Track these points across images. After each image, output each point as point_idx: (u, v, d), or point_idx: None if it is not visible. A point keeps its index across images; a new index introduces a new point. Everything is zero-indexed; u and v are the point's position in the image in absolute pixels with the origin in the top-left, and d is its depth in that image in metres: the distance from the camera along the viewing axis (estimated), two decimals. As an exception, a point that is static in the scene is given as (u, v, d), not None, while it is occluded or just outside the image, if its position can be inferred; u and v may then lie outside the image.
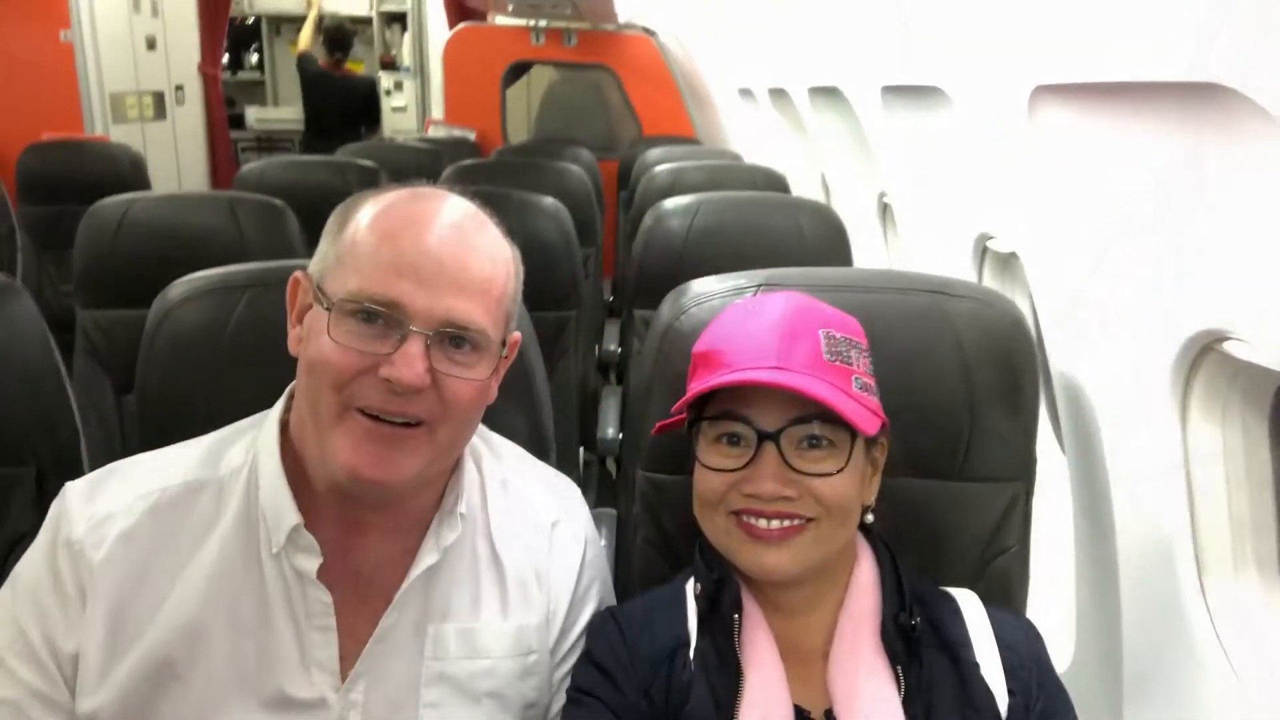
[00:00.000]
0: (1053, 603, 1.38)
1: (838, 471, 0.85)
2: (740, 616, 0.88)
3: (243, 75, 7.53)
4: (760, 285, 1.09)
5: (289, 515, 0.85)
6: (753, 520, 0.86)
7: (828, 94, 2.37)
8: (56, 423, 1.21)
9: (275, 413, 0.91)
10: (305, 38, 6.11)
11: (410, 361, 0.80)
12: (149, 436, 1.08)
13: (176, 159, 5.48)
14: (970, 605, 0.93)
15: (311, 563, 0.85)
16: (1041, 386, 1.10)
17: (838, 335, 0.89)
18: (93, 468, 1.13)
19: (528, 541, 0.96)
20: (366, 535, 0.89)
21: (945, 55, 1.39)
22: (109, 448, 1.86)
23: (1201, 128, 0.85)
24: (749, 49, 3.14)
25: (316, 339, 0.82)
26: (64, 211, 3.30)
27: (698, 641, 0.89)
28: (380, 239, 0.83)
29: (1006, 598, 1.07)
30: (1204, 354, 0.99)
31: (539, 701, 0.94)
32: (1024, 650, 0.90)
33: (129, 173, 3.45)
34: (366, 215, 0.85)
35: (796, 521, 0.86)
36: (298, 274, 0.89)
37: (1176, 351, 0.99)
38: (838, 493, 0.85)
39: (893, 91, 1.80)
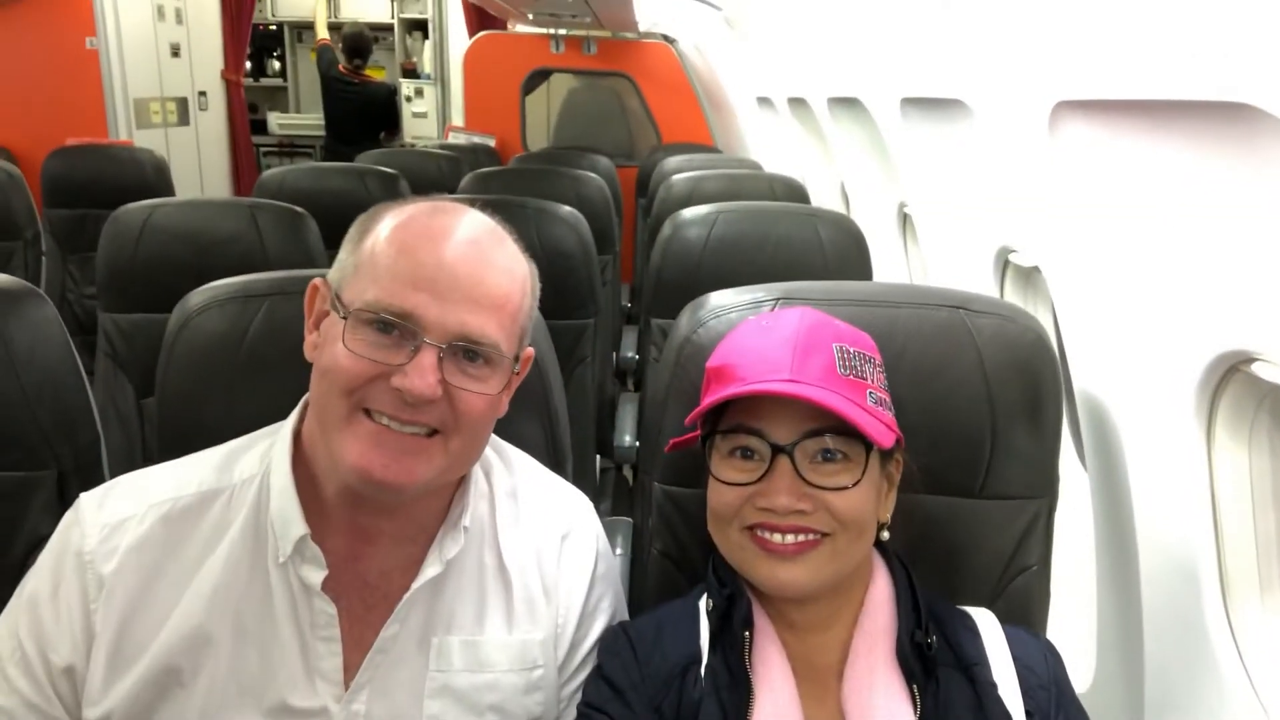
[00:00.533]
0: (1073, 621, 1.36)
1: (853, 485, 0.85)
2: (752, 633, 0.88)
3: (265, 81, 7.60)
4: (779, 299, 1.08)
5: (296, 525, 0.85)
6: (767, 535, 0.86)
7: (847, 104, 2.36)
8: (77, 427, 1.22)
9: (289, 423, 0.92)
10: (320, 23, 6.14)
11: (422, 373, 0.80)
12: (168, 443, 1.09)
13: (199, 163, 5.54)
14: (987, 624, 0.92)
15: (317, 575, 0.86)
16: (1064, 403, 1.09)
17: (851, 350, 0.88)
18: (113, 470, 1.14)
19: (537, 554, 0.95)
20: (374, 543, 0.90)
21: (967, 68, 1.38)
22: (129, 450, 1.88)
23: (1229, 146, 0.84)
24: (768, 58, 3.13)
25: (331, 346, 0.83)
26: (88, 215, 3.33)
27: (709, 658, 0.88)
28: (398, 251, 0.83)
29: (1026, 617, 1.06)
30: (1230, 374, 0.98)
31: (545, 716, 0.94)
32: (1042, 670, 0.89)
33: (152, 177, 3.48)
34: (386, 227, 0.86)
35: (811, 536, 0.85)
36: (316, 281, 0.90)
37: (1202, 371, 0.98)
38: (852, 507, 0.85)
39: (912, 103, 1.79)
